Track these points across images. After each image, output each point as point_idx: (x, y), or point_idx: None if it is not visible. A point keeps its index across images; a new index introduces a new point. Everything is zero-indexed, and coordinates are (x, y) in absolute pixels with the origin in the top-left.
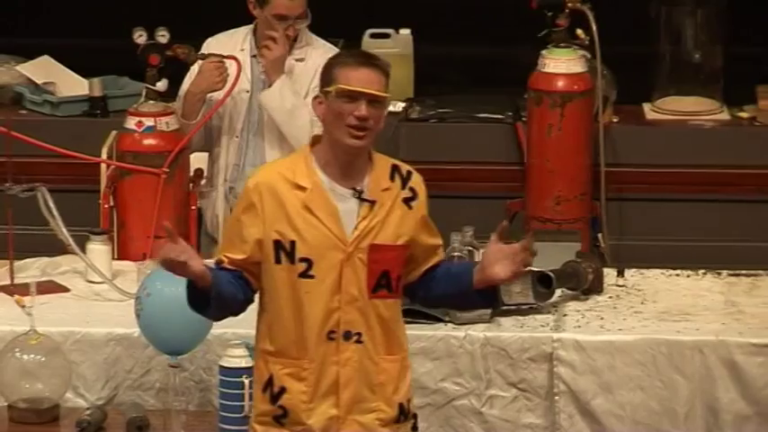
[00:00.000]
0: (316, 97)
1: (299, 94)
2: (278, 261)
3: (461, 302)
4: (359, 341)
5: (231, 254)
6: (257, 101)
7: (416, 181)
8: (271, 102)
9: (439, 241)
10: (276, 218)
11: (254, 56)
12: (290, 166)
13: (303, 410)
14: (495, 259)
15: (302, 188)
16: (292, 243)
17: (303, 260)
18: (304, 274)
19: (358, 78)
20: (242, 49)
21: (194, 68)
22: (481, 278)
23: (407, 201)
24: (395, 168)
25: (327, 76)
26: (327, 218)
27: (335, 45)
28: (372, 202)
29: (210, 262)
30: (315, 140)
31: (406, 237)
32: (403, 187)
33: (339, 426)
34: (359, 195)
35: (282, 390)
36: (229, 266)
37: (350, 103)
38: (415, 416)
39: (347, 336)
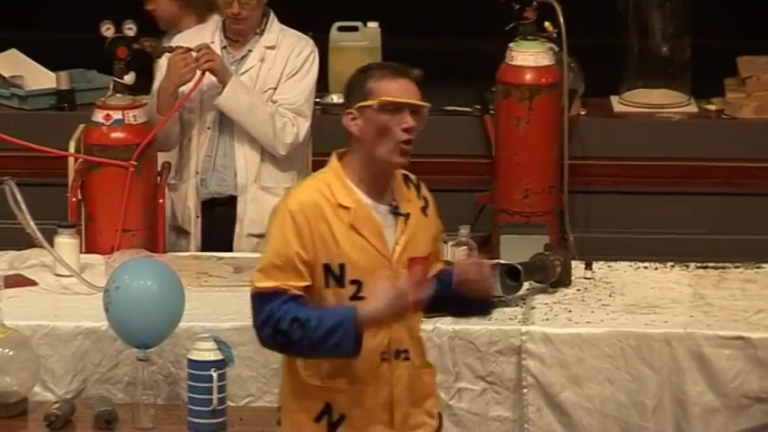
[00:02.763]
0: (348, 113)
1: (252, 90)
2: (327, 285)
3: (455, 309)
4: (407, 358)
5: (294, 282)
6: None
7: (424, 188)
8: (225, 105)
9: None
10: (324, 240)
11: (224, 47)
12: (326, 184)
13: None
14: (463, 275)
15: (345, 208)
16: (341, 266)
17: (353, 282)
18: (355, 297)
19: (399, 89)
20: (212, 42)
21: (162, 62)
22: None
23: (423, 210)
24: (407, 178)
25: (361, 90)
26: (373, 237)
27: None
28: (407, 216)
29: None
30: (341, 155)
31: (431, 246)
32: (419, 196)
33: None
34: (395, 210)
35: (342, 417)
36: (298, 293)
37: (395, 114)
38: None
39: (397, 354)
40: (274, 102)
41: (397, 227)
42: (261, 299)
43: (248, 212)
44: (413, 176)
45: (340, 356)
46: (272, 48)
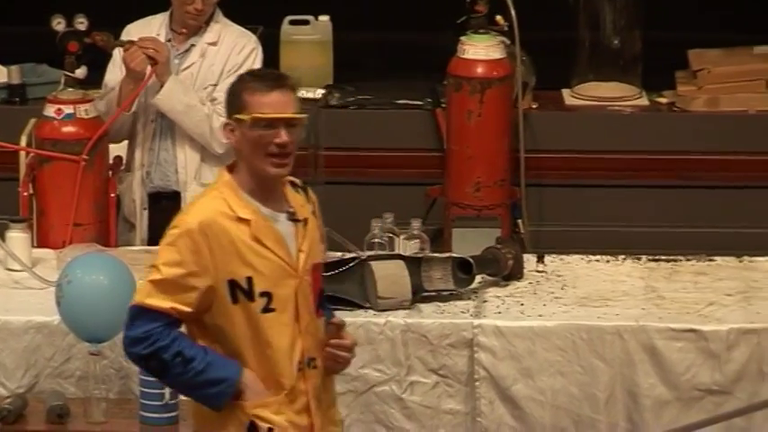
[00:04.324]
0: (227, 125)
1: (190, 90)
2: (235, 301)
3: None
4: (315, 366)
5: (179, 304)
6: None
7: (311, 191)
8: (162, 104)
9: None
10: (228, 257)
11: (169, 40)
12: (222, 200)
13: None
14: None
15: (245, 220)
16: (249, 279)
17: (263, 294)
18: (266, 309)
19: (272, 103)
20: (158, 34)
21: (115, 55)
22: None
23: (313, 213)
24: (293, 183)
25: (236, 102)
26: (276, 246)
27: (254, 32)
28: (305, 221)
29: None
30: (231, 168)
31: (323, 249)
32: (308, 200)
33: None
34: (293, 217)
35: (270, 430)
36: (178, 318)
37: (268, 129)
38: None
39: (309, 363)
40: (214, 99)
41: (298, 234)
42: (143, 314)
43: None
44: (298, 181)
45: (204, 404)
46: (213, 44)
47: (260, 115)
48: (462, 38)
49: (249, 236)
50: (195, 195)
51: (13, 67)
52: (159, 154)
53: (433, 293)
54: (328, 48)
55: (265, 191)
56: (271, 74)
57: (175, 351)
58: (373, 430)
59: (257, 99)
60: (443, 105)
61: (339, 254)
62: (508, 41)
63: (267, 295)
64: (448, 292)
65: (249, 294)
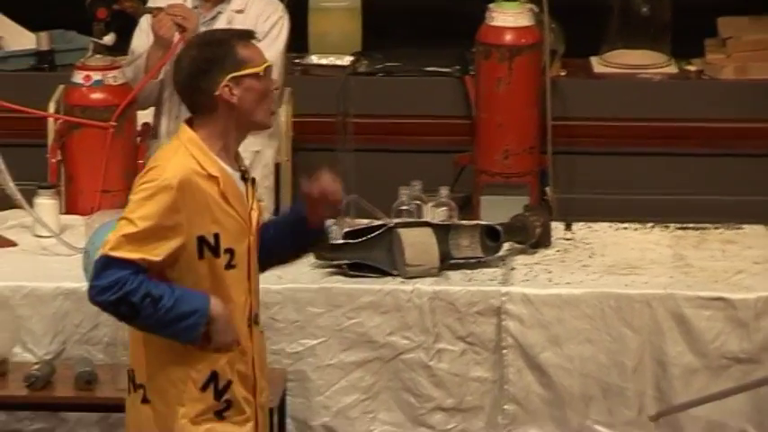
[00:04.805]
0: (224, 86)
1: None
2: (201, 256)
3: (291, 247)
4: (257, 323)
5: (149, 255)
6: None
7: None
8: None
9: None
10: (200, 214)
11: (196, 7)
12: (190, 156)
13: (242, 401)
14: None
15: (214, 178)
16: (216, 236)
17: (227, 251)
18: (228, 265)
19: (261, 54)
20: (185, 1)
21: (142, 22)
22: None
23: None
24: None
25: (231, 60)
26: (237, 204)
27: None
28: (252, 180)
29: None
30: (192, 125)
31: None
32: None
33: (255, 413)
34: (244, 175)
35: (229, 383)
36: (145, 267)
37: (270, 79)
38: None
39: (255, 319)
40: None
41: (248, 192)
42: (112, 264)
43: None
44: None
45: (179, 341)
46: (240, 11)
47: (270, 64)
48: (491, 5)
49: (218, 193)
50: (162, 148)
51: (42, 34)
52: (180, 120)
53: (461, 261)
54: (357, 14)
55: (232, 149)
56: (241, 30)
57: (144, 293)
58: (400, 398)
59: (252, 52)
60: (472, 72)
61: (367, 221)
62: (537, 8)
63: (230, 252)
64: (476, 260)
65: (215, 250)
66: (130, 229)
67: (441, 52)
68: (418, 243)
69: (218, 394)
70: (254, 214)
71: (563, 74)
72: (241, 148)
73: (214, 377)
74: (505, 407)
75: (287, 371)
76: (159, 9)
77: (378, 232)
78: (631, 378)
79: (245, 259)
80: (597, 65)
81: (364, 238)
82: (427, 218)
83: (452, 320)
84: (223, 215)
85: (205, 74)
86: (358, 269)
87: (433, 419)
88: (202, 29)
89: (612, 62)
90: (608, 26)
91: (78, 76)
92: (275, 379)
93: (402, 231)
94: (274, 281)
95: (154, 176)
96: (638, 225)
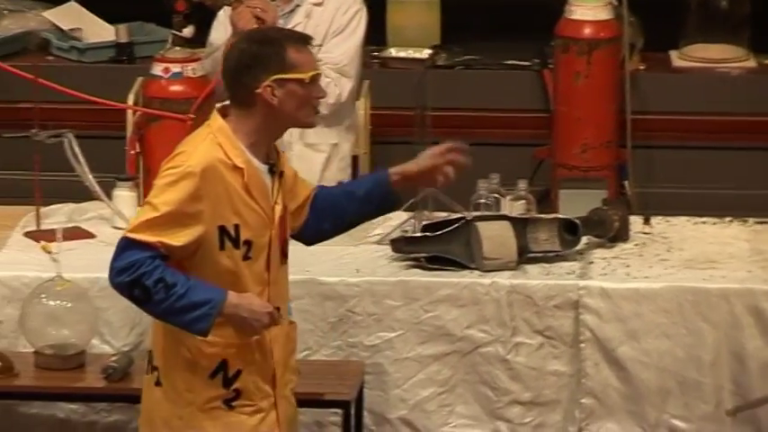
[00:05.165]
0: (267, 86)
1: None
2: (222, 247)
3: (360, 215)
4: (280, 316)
5: (169, 239)
6: None
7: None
8: None
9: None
10: (221, 203)
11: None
12: (217, 145)
13: (254, 391)
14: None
15: (239, 169)
16: (236, 227)
17: (246, 243)
18: (245, 257)
19: (311, 59)
20: None
21: (220, 14)
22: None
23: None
24: None
25: (280, 62)
26: (261, 197)
27: None
28: (281, 174)
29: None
30: (224, 114)
31: (292, 198)
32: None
33: (274, 405)
34: (272, 169)
35: (239, 372)
36: (164, 252)
37: (315, 85)
38: None
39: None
40: (319, 60)
41: (274, 185)
42: (131, 246)
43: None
44: None
45: (189, 331)
46: (318, 4)
47: (317, 72)
48: None
49: (241, 185)
50: (192, 135)
51: (121, 26)
52: None
53: (539, 254)
54: (436, 7)
55: (266, 144)
56: (298, 33)
57: (158, 277)
58: (478, 391)
59: (304, 57)
60: (551, 66)
61: (445, 214)
62: (616, 2)
63: (248, 244)
64: (554, 254)
65: (236, 242)
66: (152, 214)
67: (519, 46)
68: (496, 236)
69: (227, 383)
70: (278, 208)
71: (642, 68)
72: (319, 140)
73: (223, 365)
74: (582, 401)
75: (364, 364)
76: (238, 1)
77: (456, 225)
78: (709, 373)
79: (264, 252)
80: (676, 59)
81: (442, 232)
82: (505, 211)
83: (530, 314)
84: (244, 207)
85: (249, 69)
86: (436, 262)
87: (510, 413)
88: (281, 22)
89: (691, 56)
90: (687, 20)
91: (157, 69)
92: (352, 372)
93: (480, 225)
94: (352, 274)
95: (179, 162)
96: (716, 219)
